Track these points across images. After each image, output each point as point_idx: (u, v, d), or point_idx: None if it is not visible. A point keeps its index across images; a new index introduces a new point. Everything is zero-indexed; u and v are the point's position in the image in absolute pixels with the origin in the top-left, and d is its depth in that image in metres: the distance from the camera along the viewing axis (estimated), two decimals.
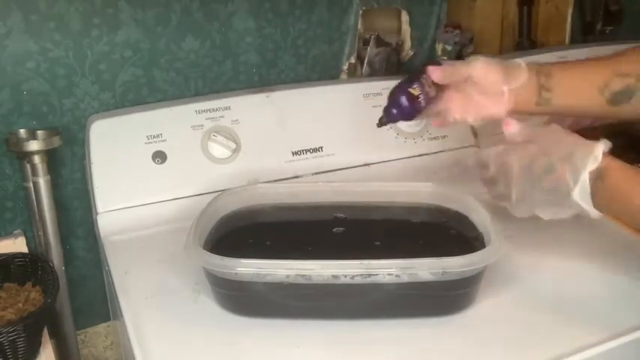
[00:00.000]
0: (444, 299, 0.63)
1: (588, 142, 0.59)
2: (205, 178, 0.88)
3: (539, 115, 0.72)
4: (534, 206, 0.65)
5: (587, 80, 0.70)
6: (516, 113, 0.70)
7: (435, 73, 0.68)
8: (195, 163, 0.88)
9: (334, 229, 0.73)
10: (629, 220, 0.61)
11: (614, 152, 0.94)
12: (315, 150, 0.95)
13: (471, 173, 0.75)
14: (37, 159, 0.83)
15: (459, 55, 1.15)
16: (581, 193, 0.58)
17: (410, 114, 0.70)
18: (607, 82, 0.68)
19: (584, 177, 0.57)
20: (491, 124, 0.70)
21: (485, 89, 0.68)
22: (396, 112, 0.69)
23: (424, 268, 0.59)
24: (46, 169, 0.84)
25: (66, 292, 0.93)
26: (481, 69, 0.67)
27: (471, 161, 0.70)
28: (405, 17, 1.08)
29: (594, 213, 0.59)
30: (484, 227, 0.68)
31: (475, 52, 1.17)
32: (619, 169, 0.58)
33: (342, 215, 0.76)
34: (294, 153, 0.94)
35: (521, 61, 0.69)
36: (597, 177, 0.57)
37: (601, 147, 0.58)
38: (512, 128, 0.66)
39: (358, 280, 0.59)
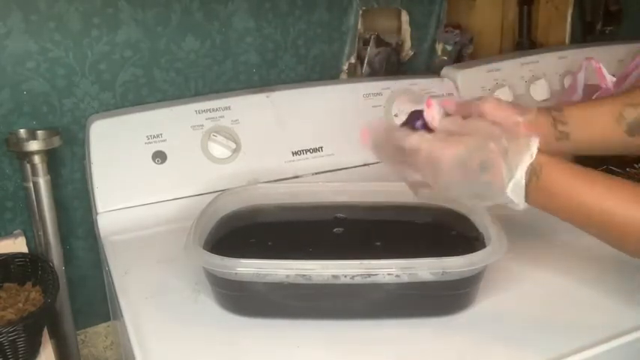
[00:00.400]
0: (444, 299, 0.63)
1: (522, 136, 0.58)
2: (205, 178, 0.88)
3: (561, 153, 0.69)
4: (459, 196, 0.61)
5: (600, 112, 0.69)
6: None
7: (448, 103, 0.64)
8: (195, 163, 0.88)
9: (334, 229, 0.73)
10: (565, 216, 0.58)
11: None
12: (315, 150, 0.95)
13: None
14: (37, 159, 0.83)
15: (459, 55, 1.15)
16: (514, 190, 0.56)
17: None
18: (620, 112, 0.67)
19: (520, 174, 0.56)
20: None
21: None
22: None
23: (424, 268, 0.59)
24: (46, 169, 0.84)
25: (66, 292, 0.93)
26: (492, 102, 0.64)
27: (400, 139, 0.59)
28: (405, 17, 1.08)
29: (524, 206, 0.57)
30: (484, 227, 0.68)
31: (475, 52, 1.17)
32: (554, 165, 0.57)
33: (342, 215, 0.76)
34: (294, 153, 0.94)
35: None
36: (532, 174, 0.56)
37: (536, 142, 0.57)
38: (434, 111, 0.60)
39: (358, 280, 0.59)
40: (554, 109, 0.69)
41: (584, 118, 0.69)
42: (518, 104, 0.67)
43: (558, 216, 0.58)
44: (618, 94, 0.70)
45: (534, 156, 0.56)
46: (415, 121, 0.61)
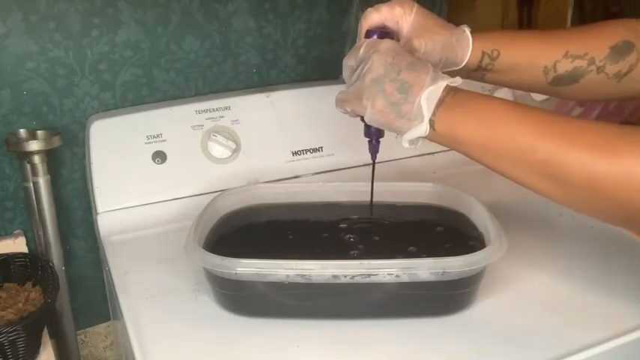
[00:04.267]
0: (444, 299, 0.63)
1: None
2: (205, 178, 0.88)
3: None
4: (376, 93, 0.57)
5: (534, 59, 0.67)
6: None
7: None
8: (195, 163, 0.88)
9: (334, 229, 0.73)
10: (473, 140, 0.55)
11: None
12: (315, 150, 0.95)
13: (472, 174, 0.73)
14: (37, 159, 0.83)
15: None
16: (429, 97, 0.55)
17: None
18: (554, 63, 0.66)
19: (441, 84, 0.55)
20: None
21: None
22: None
23: (424, 268, 0.59)
24: (46, 169, 0.84)
25: (66, 292, 0.93)
26: (417, 29, 0.64)
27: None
28: None
29: (426, 127, 0.56)
30: (484, 227, 0.68)
31: None
32: (471, 92, 0.57)
33: (341, 215, 0.76)
34: (294, 153, 0.94)
35: (469, 35, 0.65)
36: (450, 91, 0.56)
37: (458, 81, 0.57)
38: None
39: (358, 280, 0.59)
40: (489, 55, 0.66)
41: (512, 68, 0.67)
42: (453, 40, 0.65)
43: (465, 143, 0.56)
44: (565, 34, 0.68)
45: (458, 82, 0.57)
46: (372, 35, 0.64)
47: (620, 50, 0.65)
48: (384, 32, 0.64)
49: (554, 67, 0.66)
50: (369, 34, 0.64)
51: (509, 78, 0.68)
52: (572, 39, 0.67)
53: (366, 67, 0.58)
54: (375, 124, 0.60)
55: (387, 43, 0.59)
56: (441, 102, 0.55)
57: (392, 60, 0.57)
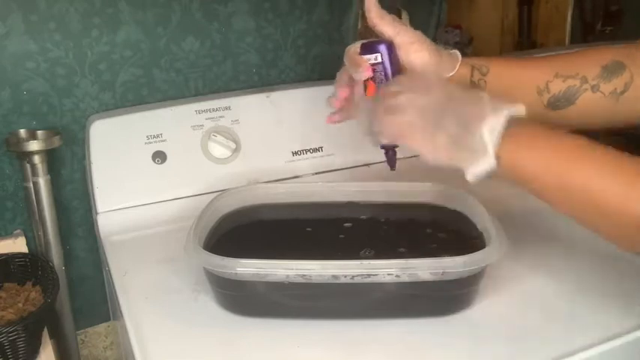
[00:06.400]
0: (444, 299, 0.63)
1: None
2: (205, 178, 0.88)
3: None
4: (439, 131, 0.56)
5: (525, 79, 0.66)
6: None
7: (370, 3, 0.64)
8: (195, 163, 0.88)
9: (334, 229, 0.73)
10: (538, 177, 0.54)
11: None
12: (315, 150, 0.95)
13: None
14: (37, 159, 0.83)
15: None
16: (492, 130, 0.53)
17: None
18: (547, 83, 0.65)
19: (504, 113, 0.53)
20: None
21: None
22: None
23: (424, 268, 0.59)
24: (46, 169, 0.84)
25: (66, 292, 0.93)
26: (414, 37, 0.64)
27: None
28: (405, 17, 1.08)
29: (492, 161, 0.53)
30: (484, 227, 0.68)
31: (475, 52, 1.17)
32: (531, 121, 0.55)
33: (341, 215, 0.76)
34: (294, 153, 0.94)
35: (458, 52, 0.67)
36: (514, 122, 0.54)
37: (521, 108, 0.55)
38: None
39: (358, 280, 0.59)
40: (478, 69, 0.66)
41: (504, 86, 0.66)
42: (443, 51, 0.66)
43: (529, 179, 0.54)
44: (554, 57, 0.68)
45: (522, 112, 0.55)
46: (377, 45, 0.64)
47: (610, 69, 0.64)
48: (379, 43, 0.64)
49: (547, 87, 0.65)
50: (370, 47, 0.65)
51: None
52: (560, 61, 0.66)
53: (420, 103, 0.57)
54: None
55: (438, 82, 0.59)
56: (505, 134, 0.53)
57: (449, 94, 0.57)
